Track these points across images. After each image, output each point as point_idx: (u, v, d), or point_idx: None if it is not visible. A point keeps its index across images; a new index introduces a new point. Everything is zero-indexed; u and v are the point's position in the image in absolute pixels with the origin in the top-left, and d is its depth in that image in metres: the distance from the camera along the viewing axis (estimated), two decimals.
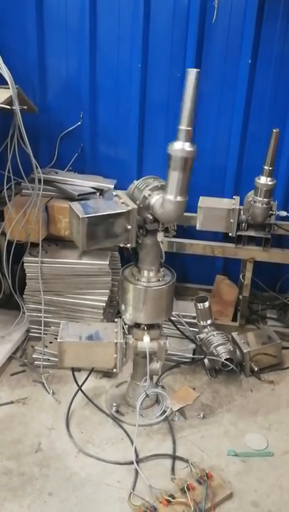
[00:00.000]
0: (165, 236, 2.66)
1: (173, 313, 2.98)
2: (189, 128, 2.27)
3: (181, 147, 2.28)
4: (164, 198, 2.43)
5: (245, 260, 3.69)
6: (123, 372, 3.06)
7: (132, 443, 2.77)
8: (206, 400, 3.21)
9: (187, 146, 2.28)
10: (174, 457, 2.75)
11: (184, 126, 2.27)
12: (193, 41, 3.48)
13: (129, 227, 2.50)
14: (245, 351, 3.37)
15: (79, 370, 3.18)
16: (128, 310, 2.76)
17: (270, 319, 4.01)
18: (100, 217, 2.42)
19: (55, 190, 3.54)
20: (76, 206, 2.47)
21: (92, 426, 2.95)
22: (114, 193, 2.68)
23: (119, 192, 2.70)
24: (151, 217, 2.56)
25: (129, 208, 2.48)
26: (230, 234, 3.57)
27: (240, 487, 2.59)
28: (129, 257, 2.86)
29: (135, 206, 2.50)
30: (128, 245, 2.57)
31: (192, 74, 2.18)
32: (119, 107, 3.77)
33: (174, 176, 2.35)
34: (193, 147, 2.30)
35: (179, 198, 2.39)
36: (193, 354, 3.50)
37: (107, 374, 3.33)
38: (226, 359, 3.27)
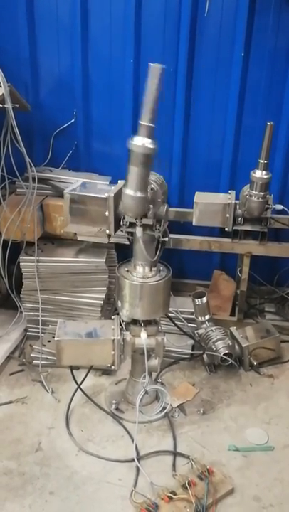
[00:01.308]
0: (151, 234, 2.63)
1: (171, 309, 2.98)
2: (150, 124, 2.25)
3: (141, 143, 2.26)
4: (123, 192, 2.43)
5: (242, 255, 3.68)
6: (122, 370, 3.07)
7: (133, 440, 2.76)
8: (206, 395, 3.21)
9: (148, 143, 2.26)
10: (175, 453, 2.74)
11: (144, 121, 2.25)
12: (185, 35, 3.46)
13: (106, 213, 2.56)
14: (244, 346, 3.37)
15: (78, 368, 3.18)
16: (125, 306, 2.75)
17: (268, 313, 4.00)
18: (82, 197, 2.61)
19: (50, 188, 3.53)
20: (73, 185, 2.65)
21: (92, 424, 2.94)
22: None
23: (121, 181, 2.70)
24: None
25: (107, 195, 2.54)
26: (226, 229, 3.56)
27: (241, 482, 2.58)
28: (126, 254, 2.85)
29: (112, 194, 2.53)
30: (107, 231, 2.62)
31: (155, 70, 2.16)
32: (112, 104, 3.75)
33: (134, 171, 2.34)
34: (154, 144, 2.28)
35: (138, 194, 2.39)
36: (192, 350, 3.50)
37: (106, 371, 3.32)
38: (225, 354, 3.27)
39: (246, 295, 3.81)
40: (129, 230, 2.63)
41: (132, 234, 2.66)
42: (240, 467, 2.68)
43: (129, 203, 2.44)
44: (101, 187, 2.93)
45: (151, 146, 2.27)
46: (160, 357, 2.86)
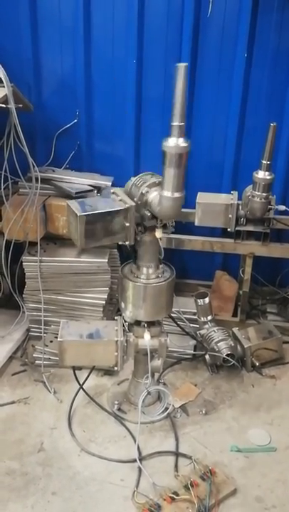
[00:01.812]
0: (164, 232, 2.65)
1: (173, 309, 2.97)
2: (182, 123, 2.25)
3: (175, 143, 2.27)
4: (161, 195, 2.41)
5: (244, 255, 3.68)
6: (124, 370, 3.07)
7: (135, 441, 2.76)
8: (208, 396, 3.21)
9: (181, 142, 2.27)
10: (177, 454, 2.74)
11: (176, 122, 2.26)
12: (188, 36, 3.46)
13: (127, 224, 2.49)
14: (246, 346, 3.37)
15: (80, 368, 3.18)
16: (128, 307, 2.75)
17: (270, 314, 4.00)
18: (97, 215, 2.41)
19: (53, 188, 3.52)
20: (74, 204, 2.46)
21: (94, 424, 2.94)
22: (112, 191, 2.67)
23: (116, 189, 2.69)
24: (149, 214, 2.55)
25: (127, 206, 2.47)
26: (229, 229, 3.56)
27: (243, 483, 2.58)
28: (128, 255, 2.85)
29: (133, 203, 2.49)
30: (127, 243, 2.56)
31: (181, 69, 2.16)
32: (115, 104, 3.75)
33: (170, 173, 2.34)
34: (187, 142, 2.29)
35: (176, 194, 2.38)
36: (194, 350, 3.50)
37: (108, 372, 3.32)
38: (227, 355, 3.27)
39: (248, 296, 3.80)
40: (146, 235, 2.61)
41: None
42: (242, 468, 2.68)
43: (167, 205, 2.42)
44: (102, 198, 2.88)
45: (184, 145, 2.27)
46: (163, 358, 2.86)
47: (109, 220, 2.45)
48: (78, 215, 2.35)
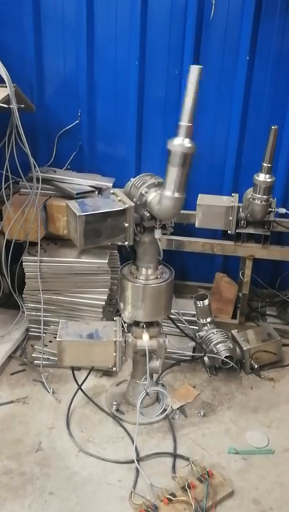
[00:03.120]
0: (163, 234, 2.65)
1: (172, 311, 2.97)
2: (190, 124, 2.27)
3: (180, 143, 2.28)
4: (161, 194, 2.42)
5: (244, 257, 3.68)
6: (123, 371, 3.06)
7: (133, 442, 2.76)
8: (207, 397, 3.21)
9: (187, 142, 2.28)
10: (175, 455, 2.74)
11: (184, 122, 2.27)
12: (191, 38, 3.47)
13: (126, 224, 2.49)
14: (245, 349, 3.37)
15: (79, 369, 3.18)
16: (127, 308, 2.75)
17: (269, 316, 4.00)
18: (97, 215, 2.41)
19: (54, 188, 3.53)
20: (73, 204, 2.46)
21: (92, 425, 2.95)
22: (111, 191, 2.67)
23: (116, 190, 2.69)
24: (148, 215, 2.55)
25: (127, 206, 2.47)
26: (229, 231, 3.56)
27: (241, 485, 2.58)
28: (128, 255, 2.85)
29: (132, 204, 2.49)
30: (126, 243, 2.56)
31: (195, 71, 2.18)
32: (117, 105, 3.75)
33: (173, 172, 2.34)
34: (193, 143, 2.29)
35: (177, 195, 2.38)
36: (193, 352, 3.50)
37: (107, 373, 3.32)
38: (226, 357, 3.27)
39: (248, 298, 3.81)
40: (145, 235, 2.61)
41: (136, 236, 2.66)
42: (240, 470, 2.68)
43: (167, 205, 2.42)
44: (102, 199, 2.89)
45: (189, 145, 2.28)
46: (161, 359, 2.86)
47: (109, 220, 2.44)
48: (78, 214, 2.35)
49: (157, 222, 2.58)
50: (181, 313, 3.53)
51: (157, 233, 2.59)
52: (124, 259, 3.30)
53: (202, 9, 3.41)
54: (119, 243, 2.58)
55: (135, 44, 3.53)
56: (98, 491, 2.52)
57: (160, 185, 2.46)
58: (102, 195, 3.51)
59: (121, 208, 2.46)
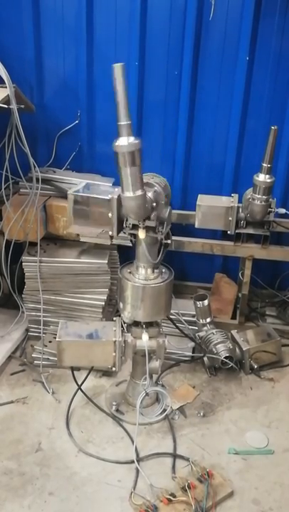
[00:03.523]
0: (154, 236, 2.64)
1: (172, 311, 2.98)
2: (128, 122, 2.27)
3: (126, 143, 2.28)
4: (122, 196, 2.42)
5: (244, 258, 3.68)
6: (123, 371, 3.06)
7: (133, 442, 2.76)
8: (206, 398, 3.21)
9: (132, 140, 2.28)
10: (175, 456, 2.74)
11: (123, 121, 2.27)
12: (190, 39, 3.47)
13: (110, 215, 2.56)
14: (244, 349, 3.37)
15: (78, 369, 3.18)
16: (126, 308, 2.75)
17: (269, 317, 4.00)
18: (84, 198, 2.64)
19: (53, 189, 3.53)
20: (77, 186, 2.69)
21: (92, 425, 2.94)
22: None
23: None
24: None
25: (110, 196, 2.55)
26: (228, 232, 3.56)
27: (241, 485, 2.58)
28: (128, 256, 2.85)
29: (115, 196, 2.53)
30: (110, 233, 2.62)
31: (118, 69, 2.19)
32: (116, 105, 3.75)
33: (126, 172, 2.35)
34: (138, 138, 2.29)
35: (138, 192, 2.39)
36: (193, 352, 3.50)
37: (107, 373, 3.32)
38: (226, 357, 3.27)
39: (248, 298, 3.81)
40: (132, 232, 2.64)
41: (134, 236, 2.67)
42: (239, 470, 2.68)
43: (130, 205, 2.43)
44: (105, 188, 2.93)
45: (135, 142, 2.29)
46: (161, 359, 2.86)
47: (96, 206, 2.59)
48: (68, 192, 2.62)
49: (140, 222, 2.57)
50: (181, 313, 3.54)
51: (141, 233, 2.59)
52: (125, 259, 3.31)
53: (201, 10, 3.41)
54: (110, 233, 2.63)
55: (135, 45, 3.53)
56: (98, 491, 2.52)
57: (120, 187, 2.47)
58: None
59: (106, 198, 2.56)
